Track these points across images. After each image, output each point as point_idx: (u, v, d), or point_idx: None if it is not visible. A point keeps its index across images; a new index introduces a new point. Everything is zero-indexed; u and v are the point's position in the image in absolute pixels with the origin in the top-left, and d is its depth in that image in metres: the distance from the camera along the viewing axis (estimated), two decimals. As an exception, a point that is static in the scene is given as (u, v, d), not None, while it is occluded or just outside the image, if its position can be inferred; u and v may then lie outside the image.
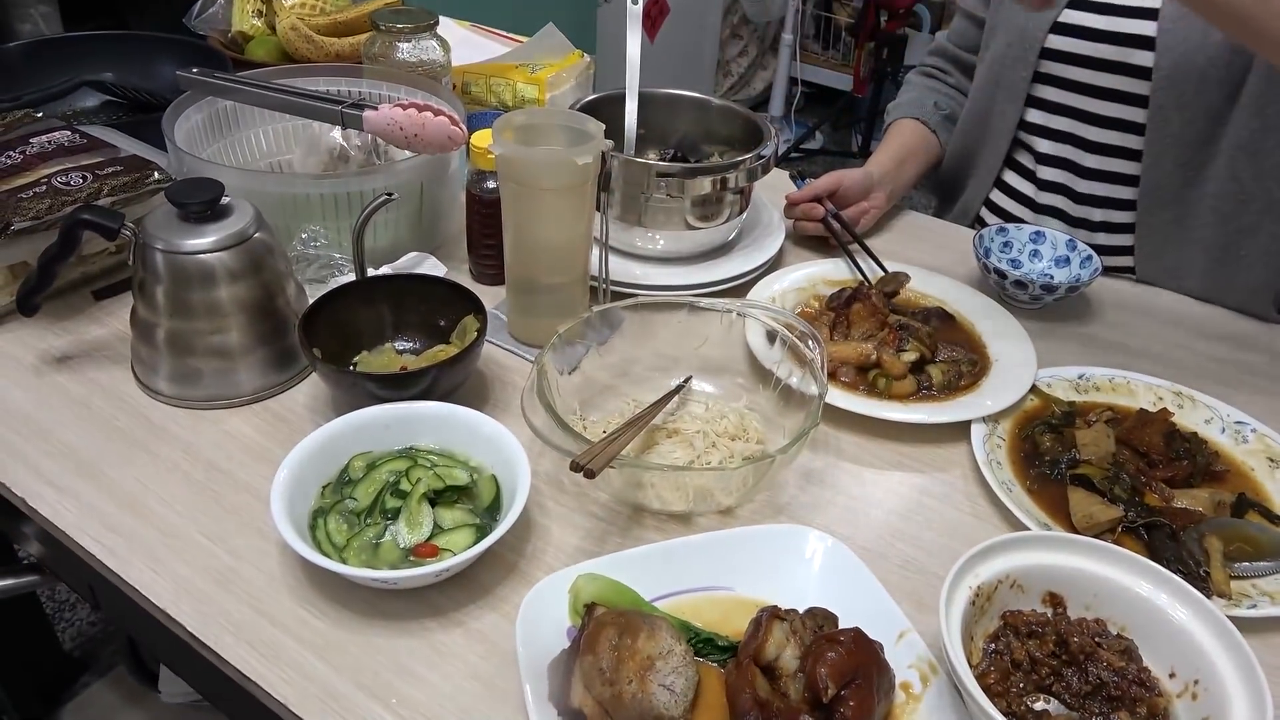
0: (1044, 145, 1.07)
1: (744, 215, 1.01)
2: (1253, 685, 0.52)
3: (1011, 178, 1.12)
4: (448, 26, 1.26)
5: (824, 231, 1.04)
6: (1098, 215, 1.05)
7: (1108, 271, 1.05)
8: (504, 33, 1.27)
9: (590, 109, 1.03)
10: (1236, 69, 0.91)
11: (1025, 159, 1.10)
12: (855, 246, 1.03)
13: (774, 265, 1.00)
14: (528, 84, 1.17)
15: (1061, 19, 1.00)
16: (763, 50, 3.51)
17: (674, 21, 2.90)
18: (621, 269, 0.95)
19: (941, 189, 1.22)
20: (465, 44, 1.24)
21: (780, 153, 3.22)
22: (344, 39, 1.24)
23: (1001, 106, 1.07)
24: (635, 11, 0.99)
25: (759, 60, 3.52)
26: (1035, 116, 1.07)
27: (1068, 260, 1.00)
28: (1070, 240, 1.00)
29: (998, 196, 1.14)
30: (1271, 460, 0.77)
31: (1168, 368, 0.90)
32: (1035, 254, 1.02)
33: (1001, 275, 0.95)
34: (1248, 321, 1.00)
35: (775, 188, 1.14)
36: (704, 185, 0.93)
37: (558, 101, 1.18)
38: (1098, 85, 1.00)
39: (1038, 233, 1.02)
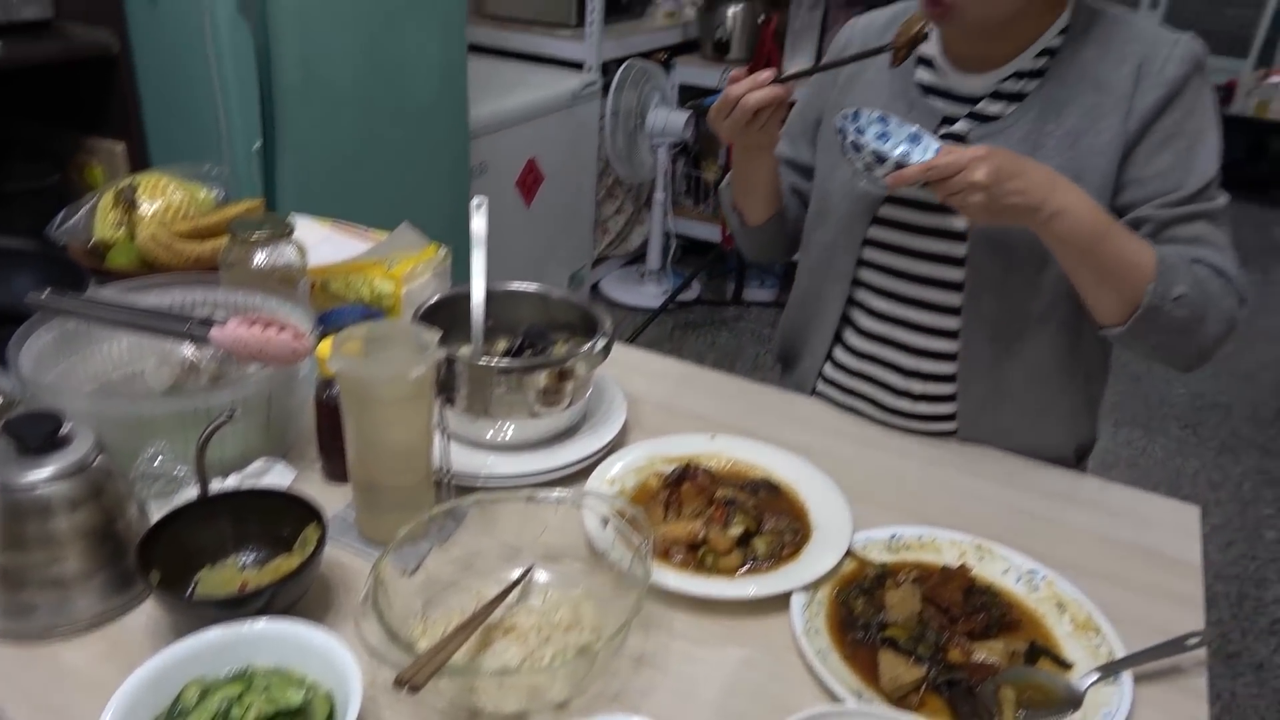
0: (869, 324, 1.17)
1: (588, 397, 1.08)
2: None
3: (841, 354, 1.21)
4: (308, 226, 1.33)
5: (779, 95, 1.01)
6: (918, 388, 1.14)
7: (930, 435, 1.15)
8: (364, 229, 1.35)
9: (442, 305, 1.12)
10: (1040, 248, 1.00)
11: (852, 337, 1.19)
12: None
13: (617, 444, 1.06)
14: (384, 279, 1.24)
15: (880, 214, 1.11)
16: (638, 207, 3.72)
17: (550, 187, 3.06)
18: (470, 459, 1.00)
19: (784, 358, 1.32)
20: (326, 242, 1.31)
21: (660, 304, 3.37)
22: (206, 243, 1.30)
23: (830, 288, 1.18)
24: (479, 224, 1.09)
25: (635, 217, 3.72)
26: (862, 296, 1.17)
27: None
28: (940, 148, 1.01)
29: (830, 370, 1.23)
30: (1060, 605, 0.85)
31: (974, 520, 0.98)
32: (907, 154, 1.03)
33: (843, 135, 0.97)
34: (1051, 471, 1.10)
35: (623, 364, 1.22)
36: (542, 379, 1.00)
37: (414, 294, 1.25)
38: (915, 273, 1.11)
39: (915, 135, 1.04)
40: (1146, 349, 1.00)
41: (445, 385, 0.99)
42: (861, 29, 1.17)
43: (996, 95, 1.05)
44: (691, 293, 3.50)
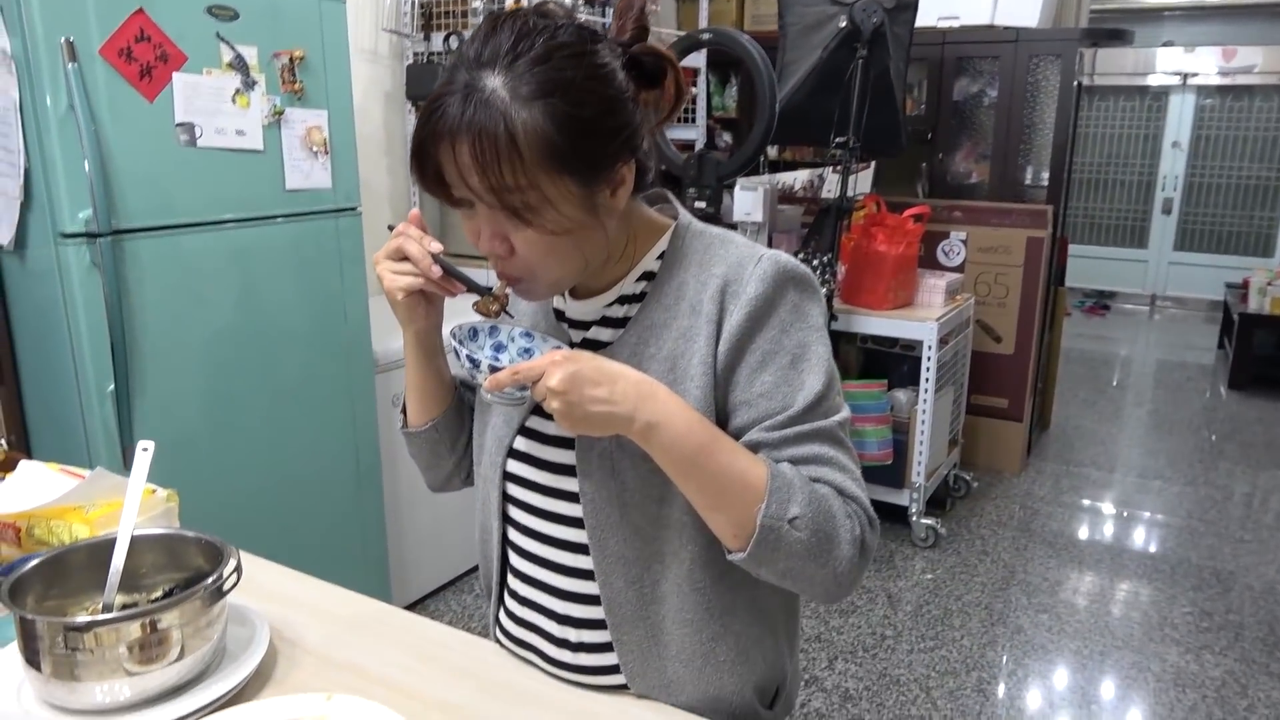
0: (523, 565, 1.06)
1: (214, 645, 0.98)
2: None
3: (508, 599, 1.10)
4: (29, 467, 1.31)
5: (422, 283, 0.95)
6: (574, 636, 1.02)
7: (607, 689, 1.01)
8: (85, 473, 1.32)
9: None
10: (654, 482, 0.93)
11: (513, 580, 1.09)
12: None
13: (235, 700, 0.95)
14: (82, 524, 1.20)
15: (515, 446, 1.03)
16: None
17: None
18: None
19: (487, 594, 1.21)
20: (46, 483, 1.29)
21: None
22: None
23: (489, 524, 1.09)
24: (140, 469, 1.05)
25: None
26: (513, 536, 1.07)
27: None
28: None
29: (502, 616, 1.11)
30: None
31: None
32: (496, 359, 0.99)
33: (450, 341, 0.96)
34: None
35: (297, 601, 1.13)
36: (132, 631, 0.91)
37: (115, 538, 1.20)
38: (546, 510, 1.02)
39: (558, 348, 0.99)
40: (777, 575, 0.89)
41: (28, 648, 0.92)
42: None
43: (605, 321, 1.00)
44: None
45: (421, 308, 1.00)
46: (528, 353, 1.00)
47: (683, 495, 0.90)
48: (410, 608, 2.88)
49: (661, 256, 0.99)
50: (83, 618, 0.92)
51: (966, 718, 2.42)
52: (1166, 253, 7.84)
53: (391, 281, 0.96)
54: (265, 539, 2.23)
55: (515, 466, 1.03)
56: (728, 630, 0.98)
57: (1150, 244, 7.88)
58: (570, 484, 0.98)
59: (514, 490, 1.04)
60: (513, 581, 1.08)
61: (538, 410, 1.02)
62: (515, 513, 1.05)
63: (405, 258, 0.94)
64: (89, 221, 1.84)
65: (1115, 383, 5.71)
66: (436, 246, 0.94)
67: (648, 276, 0.99)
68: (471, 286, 0.95)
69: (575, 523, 0.99)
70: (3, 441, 2.09)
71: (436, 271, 0.93)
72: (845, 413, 0.93)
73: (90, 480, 1.22)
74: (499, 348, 1.00)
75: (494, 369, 0.88)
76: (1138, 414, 5.06)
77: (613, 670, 1.00)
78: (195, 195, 2.03)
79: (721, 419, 0.93)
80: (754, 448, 0.91)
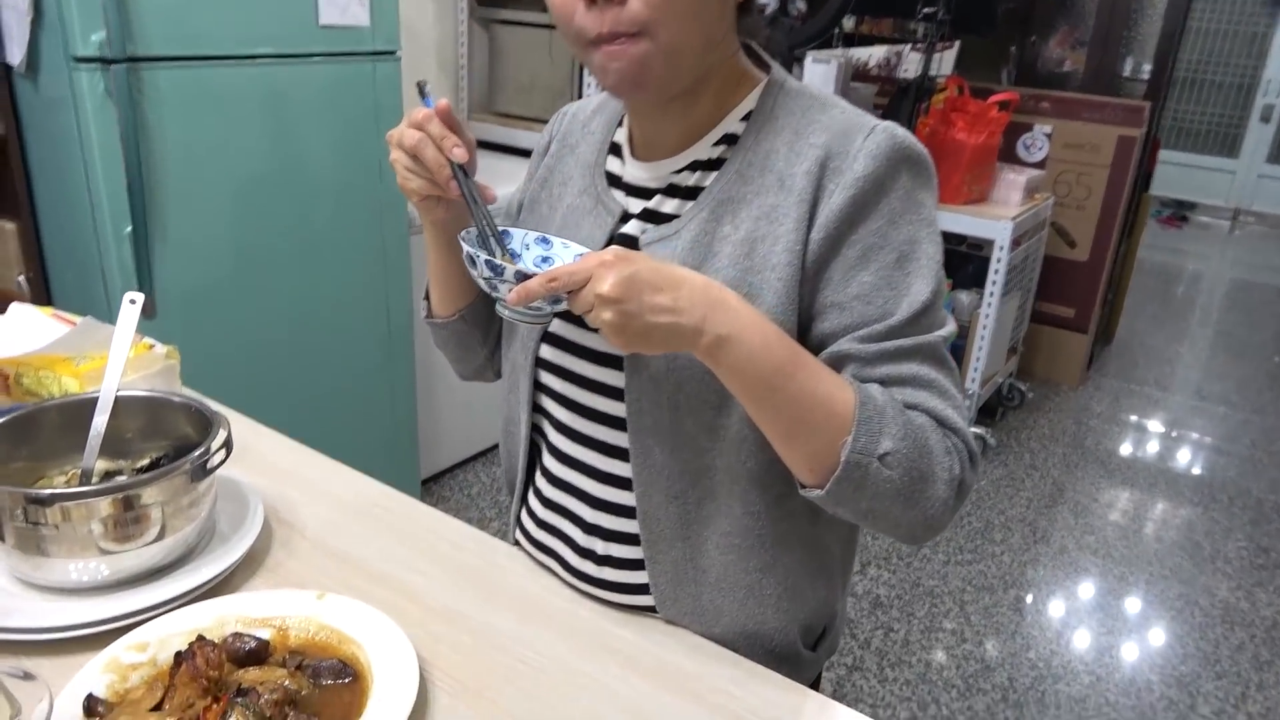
0: (553, 465, 0.94)
1: (200, 524, 0.88)
2: None
3: (533, 499, 0.98)
4: (19, 310, 1.21)
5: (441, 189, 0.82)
6: (601, 548, 0.90)
7: (631, 610, 0.90)
8: (79, 319, 1.21)
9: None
10: (715, 385, 0.78)
11: (540, 480, 0.97)
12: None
13: (218, 590, 0.86)
14: (71, 377, 1.10)
15: (551, 329, 0.90)
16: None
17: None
18: (27, 608, 0.82)
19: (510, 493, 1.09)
20: (36, 328, 1.18)
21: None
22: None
23: (518, 416, 0.96)
24: (127, 321, 0.94)
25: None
26: (546, 430, 0.94)
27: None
28: None
29: (525, 518, 0.99)
30: None
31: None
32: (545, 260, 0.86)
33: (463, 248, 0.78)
34: (774, 686, 0.82)
35: (297, 476, 1.03)
36: (103, 508, 0.81)
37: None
38: (584, 405, 0.88)
39: (543, 238, 0.87)
40: (856, 515, 0.75)
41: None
42: (570, 117, 0.98)
43: (672, 190, 0.84)
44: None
45: (441, 204, 0.87)
46: (546, 261, 0.86)
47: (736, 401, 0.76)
48: (439, 476, 2.83)
49: (747, 118, 0.81)
50: (46, 490, 0.81)
51: (1000, 635, 2.33)
52: (1258, 164, 7.32)
53: (403, 180, 0.84)
54: (288, 399, 2.15)
55: (550, 353, 0.90)
56: (778, 562, 0.85)
57: (1242, 153, 7.35)
58: (614, 378, 0.84)
59: (548, 379, 0.91)
60: (539, 480, 0.96)
61: None
62: (548, 404, 0.92)
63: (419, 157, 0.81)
64: (102, 45, 1.68)
65: (1187, 299, 5.42)
66: (459, 155, 0.80)
67: (728, 140, 0.82)
68: (486, 235, 0.82)
69: (616, 423, 0.86)
70: (21, 279, 2.01)
71: (453, 190, 0.81)
72: (951, 327, 0.78)
73: (79, 330, 1.11)
74: (545, 260, 0.85)
75: (522, 276, 0.72)
76: (1207, 334, 4.80)
77: (641, 590, 0.89)
78: (219, 24, 1.85)
79: (804, 321, 0.78)
80: (840, 360, 0.76)
